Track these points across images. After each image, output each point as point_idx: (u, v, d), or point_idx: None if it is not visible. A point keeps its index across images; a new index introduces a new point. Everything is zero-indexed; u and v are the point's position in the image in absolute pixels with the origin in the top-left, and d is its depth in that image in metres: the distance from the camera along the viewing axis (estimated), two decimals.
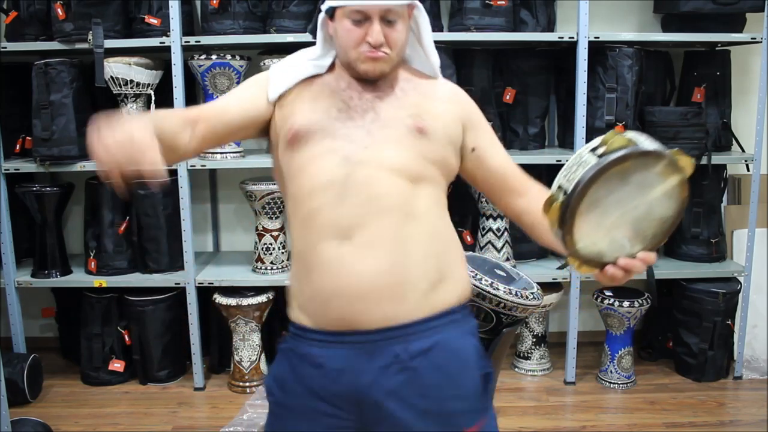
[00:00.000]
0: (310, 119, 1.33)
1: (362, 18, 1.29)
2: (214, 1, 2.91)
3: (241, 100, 1.41)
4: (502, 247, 3.12)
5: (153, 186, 1.07)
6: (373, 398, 1.27)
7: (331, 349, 1.29)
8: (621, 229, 1.14)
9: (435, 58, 1.46)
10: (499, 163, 1.46)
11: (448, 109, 1.40)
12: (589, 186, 1.07)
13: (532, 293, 1.76)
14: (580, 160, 1.08)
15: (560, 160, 2.97)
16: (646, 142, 1.09)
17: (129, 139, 1.08)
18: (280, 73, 1.42)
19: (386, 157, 1.29)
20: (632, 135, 1.10)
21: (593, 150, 1.08)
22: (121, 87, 2.92)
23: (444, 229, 1.37)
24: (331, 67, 1.42)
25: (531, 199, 1.43)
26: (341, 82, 1.38)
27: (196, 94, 3.29)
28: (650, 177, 1.11)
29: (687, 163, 1.12)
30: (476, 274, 1.73)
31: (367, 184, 1.27)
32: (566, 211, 1.08)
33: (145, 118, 1.16)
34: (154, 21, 2.92)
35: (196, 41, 2.89)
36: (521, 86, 3.16)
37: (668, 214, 1.16)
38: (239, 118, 1.39)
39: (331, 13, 1.34)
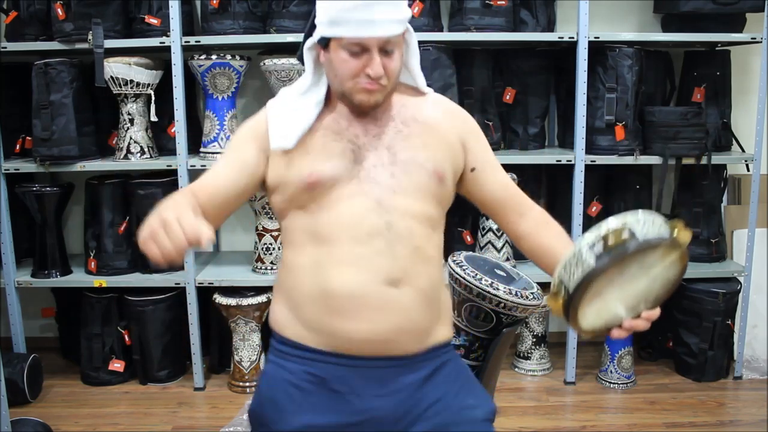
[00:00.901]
0: (328, 166, 1.32)
1: (360, 50, 1.27)
2: (214, 1, 2.91)
3: (242, 167, 1.36)
4: (502, 247, 3.12)
5: (203, 246, 1.11)
6: (394, 419, 1.35)
7: (351, 372, 1.34)
8: (624, 303, 1.19)
9: (421, 81, 1.45)
10: (499, 182, 1.47)
11: (450, 134, 1.41)
12: (588, 287, 1.11)
13: (532, 293, 1.76)
14: (579, 258, 1.11)
15: (560, 160, 2.97)
16: (644, 230, 1.10)
17: (165, 220, 1.09)
18: (281, 121, 1.37)
19: (417, 208, 1.34)
20: (630, 222, 1.11)
21: (591, 247, 1.11)
22: (121, 87, 2.92)
23: (443, 267, 1.46)
24: (326, 102, 1.39)
25: (531, 224, 1.46)
26: (341, 120, 1.36)
27: (196, 94, 3.30)
28: (650, 259, 1.14)
29: (686, 237, 1.14)
30: (476, 274, 1.73)
31: (410, 236, 1.32)
32: (569, 308, 1.14)
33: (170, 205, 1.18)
34: (154, 21, 2.92)
35: (196, 41, 2.89)
36: (521, 86, 3.16)
37: (670, 278, 1.20)
38: (245, 184, 1.36)
39: (325, 43, 1.30)
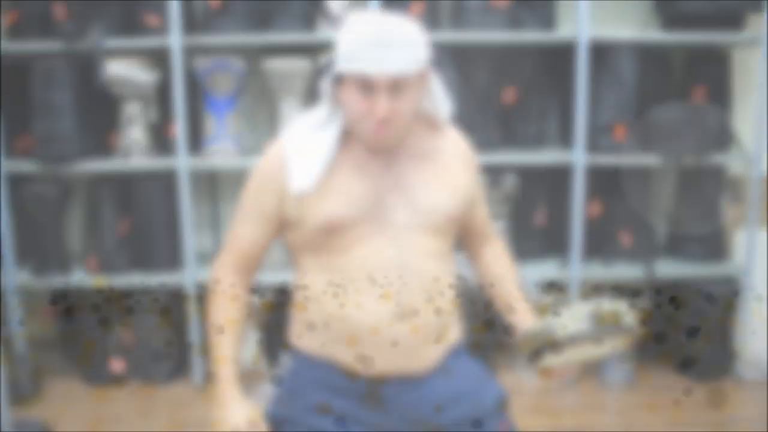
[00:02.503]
0: (349, 210, 1.33)
1: (368, 88, 1.25)
2: (214, 2, 2.91)
3: (267, 221, 1.41)
4: None
5: None
6: (421, 420, 1.41)
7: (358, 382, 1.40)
8: (572, 358, 1.40)
9: (444, 112, 1.44)
10: (479, 215, 1.54)
11: (463, 173, 1.45)
12: (571, 343, 1.33)
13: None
14: (575, 319, 1.32)
15: (560, 160, 2.97)
16: (628, 317, 1.35)
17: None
18: (301, 162, 1.36)
19: (431, 245, 1.38)
20: (620, 308, 1.34)
21: (588, 316, 1.32)
22: (121, 87, 2.92)
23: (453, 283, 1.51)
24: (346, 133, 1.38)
25: (490, 252, 1.58)
26: (363, 155, 1.36)
27: (196, 95, 3.29)
28: (616, 336, 1.37)
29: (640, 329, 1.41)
30: None
31: (425, 271, 1.36)
32: (544, 350, 1.34)
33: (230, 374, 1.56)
34: (154, 21, 2.92)
35: (196, 41, 2.89)
36: (521, 86, 3.16)
37: (613, 350, 1.42)
38: (274, 234, 1.43)
39: (340, 78, 1.30)
